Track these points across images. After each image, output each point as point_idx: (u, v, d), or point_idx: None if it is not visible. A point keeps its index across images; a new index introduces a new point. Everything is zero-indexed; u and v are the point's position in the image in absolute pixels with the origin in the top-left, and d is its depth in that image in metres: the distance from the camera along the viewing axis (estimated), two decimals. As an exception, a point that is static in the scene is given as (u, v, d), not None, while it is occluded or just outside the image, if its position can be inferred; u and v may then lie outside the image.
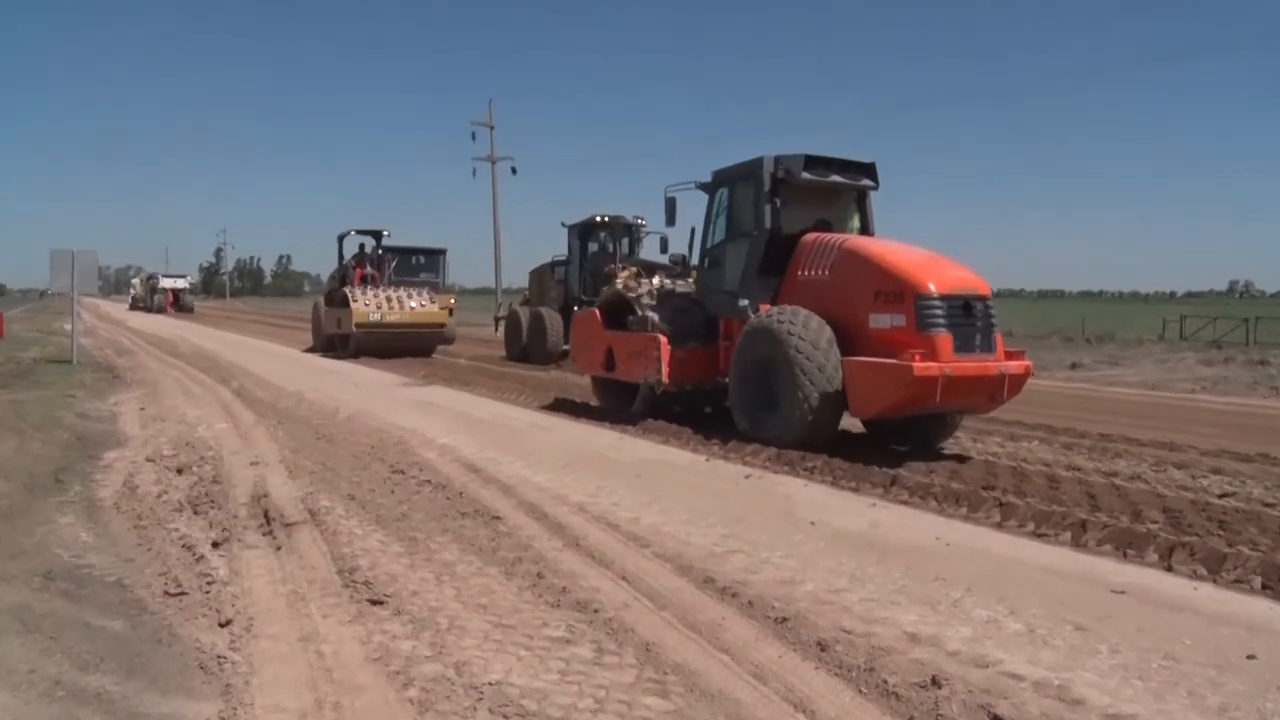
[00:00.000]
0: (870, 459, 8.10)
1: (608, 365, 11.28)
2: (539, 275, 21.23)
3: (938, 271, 8.70)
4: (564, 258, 19.71)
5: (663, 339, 10.42)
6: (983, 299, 8.69)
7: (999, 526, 6.22)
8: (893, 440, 9.36)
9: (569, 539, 5.60)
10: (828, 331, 8.88)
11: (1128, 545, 5.70)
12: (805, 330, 8.84)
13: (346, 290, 21.12)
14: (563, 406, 11.28)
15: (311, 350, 21.07)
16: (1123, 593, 4.93)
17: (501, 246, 39.50)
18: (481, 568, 5.13)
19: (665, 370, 10.33)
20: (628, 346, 10.94)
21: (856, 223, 10.48)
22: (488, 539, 5.55)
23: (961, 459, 8.30)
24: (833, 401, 8.65)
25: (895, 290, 8.62)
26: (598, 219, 18.31)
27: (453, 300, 23.10)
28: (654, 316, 10.65)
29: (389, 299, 20.86)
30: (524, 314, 19.26)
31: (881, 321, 8.68)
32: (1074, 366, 17.89)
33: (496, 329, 25.13)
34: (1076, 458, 8.52)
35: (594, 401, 11.49)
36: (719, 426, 9.68)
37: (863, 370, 8.51)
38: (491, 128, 38.21)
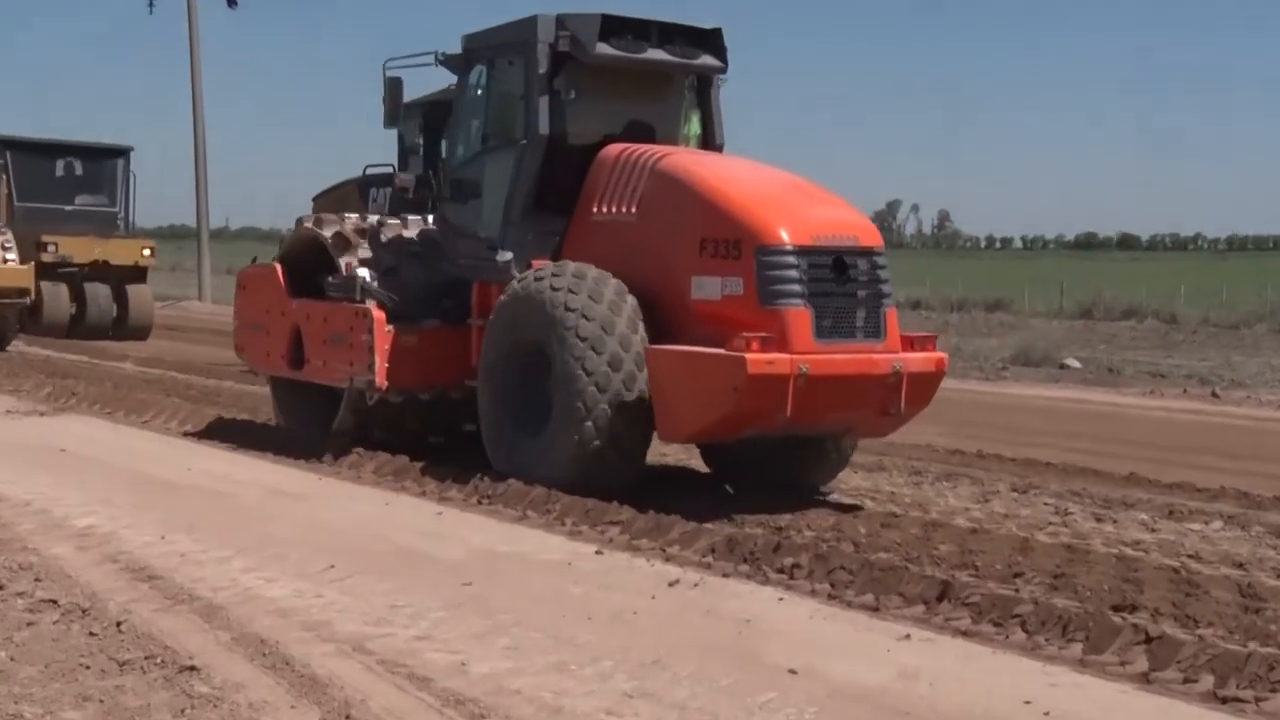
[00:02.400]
0: (899, 545, 7.91)
1: (293, 358, 11.33)
2: (339, 203, 20.54)
3: (795, 210, 8.84)
4: (384, 169, 18.02)
5: (377, 314, 10.34)
6: (867, 253, 8.81)
7: (1146, 680, 5.77)
8: (746, 479, 9.56)
9: (333, 707, 5.23)
10: (629, 304, 8.94)
11: None
12: (590, 301, 8.89)
13: None
14: (337, 457, 10.89)
15: None
16: None
17: (205, 142, 38.33)
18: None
19: (381, 366, 10.24)
20: (323, 327, 10.91)
21: (695, 128, 10.58)
22: (170, 713, 5.13)
23: (1073, 550, 8.03)
24: (633, 416, 8.75)
25: (728, 238, 8.69)
26: None
27: (147, 250, 22.84)
28: (366, 275, 10.60)
29: None
30: None
31: (708, 288, 8.77)
32: (1215, 395, 18.75)
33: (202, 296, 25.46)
34: None
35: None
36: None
37: (671, 366, 8.58)
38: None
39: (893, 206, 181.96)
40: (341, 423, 11.01)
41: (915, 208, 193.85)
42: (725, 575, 7.23)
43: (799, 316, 8.49)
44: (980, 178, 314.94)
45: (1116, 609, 6.51)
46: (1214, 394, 18.34)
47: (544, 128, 9.86)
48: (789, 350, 8.37)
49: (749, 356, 8.20)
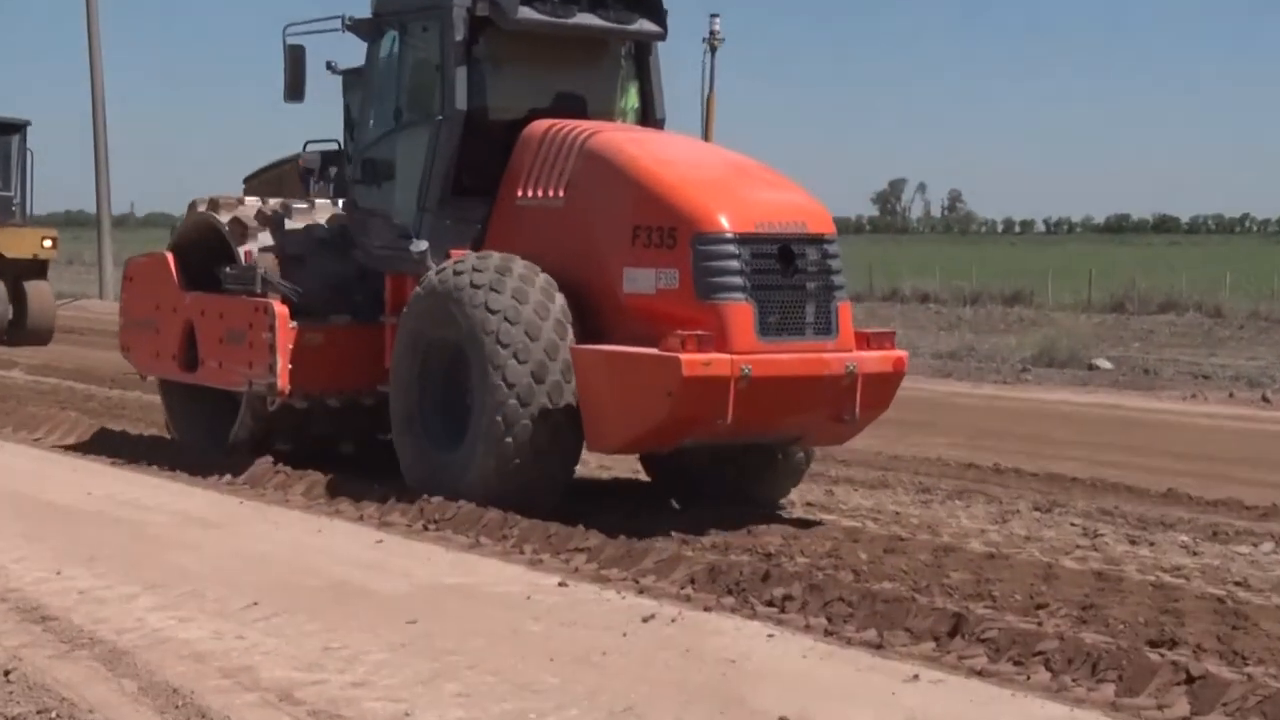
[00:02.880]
0: (905, 574, 7.95)
1: (186, 359, 11.55)
2: (275, 185, 20.56)
3: (737, 194, 9.08)
4: (328, 145, 18.25)
5: (280, 309, 10.54)
6: (816, 241, 9.04)
7: (1188, 729, 5.84)
8: (692, 492, 9.84)
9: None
10: (557, 302, 9.17)
11: None
12: (510, 296, 9.08)
13: None
14: (259, 477, 10.91)
15: None
16: None
17: (106, 114, 38.19)
18: None
19: (284, 367, 10.42)
20: (219, 324, 11.11)
21: (632, 101, 10.82)
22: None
23: (1103, 577, 8.09)
24: (560, 426, 8.95)
25: (663, 226, 8.90)
26: None
27: (49, 241, 22.57)
28: (267, 266, 10.83)
29: None
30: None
31: (641, 281, 8.97)
32: (1265, 400, 18.94)
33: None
34: None
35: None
36: (586, 505, 9.63)
37: (598, 368, 8.77)
38: None
39: (896, 186, 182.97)
40: (239, 432, 11.13)
41: (922, 187, 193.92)
42: (707, 609, 7.25)
43: (740, 312, 8.66)
44: (996, 153, 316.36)
45: (1153, 645, 6.54)
46: (1264, 398, 18.49)
47: (461, 102, 10.01)
48: (729, 350, 8.53)
49: (684, 357, 8.34)
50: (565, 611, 7.18)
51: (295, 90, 11.06)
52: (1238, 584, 8.06)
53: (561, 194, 9.63)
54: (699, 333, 8.50)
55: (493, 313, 9.07)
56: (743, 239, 8.79)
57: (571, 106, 10.44)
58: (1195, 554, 8.84)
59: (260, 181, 20.09)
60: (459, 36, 10.02)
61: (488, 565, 8.25)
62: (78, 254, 56.55)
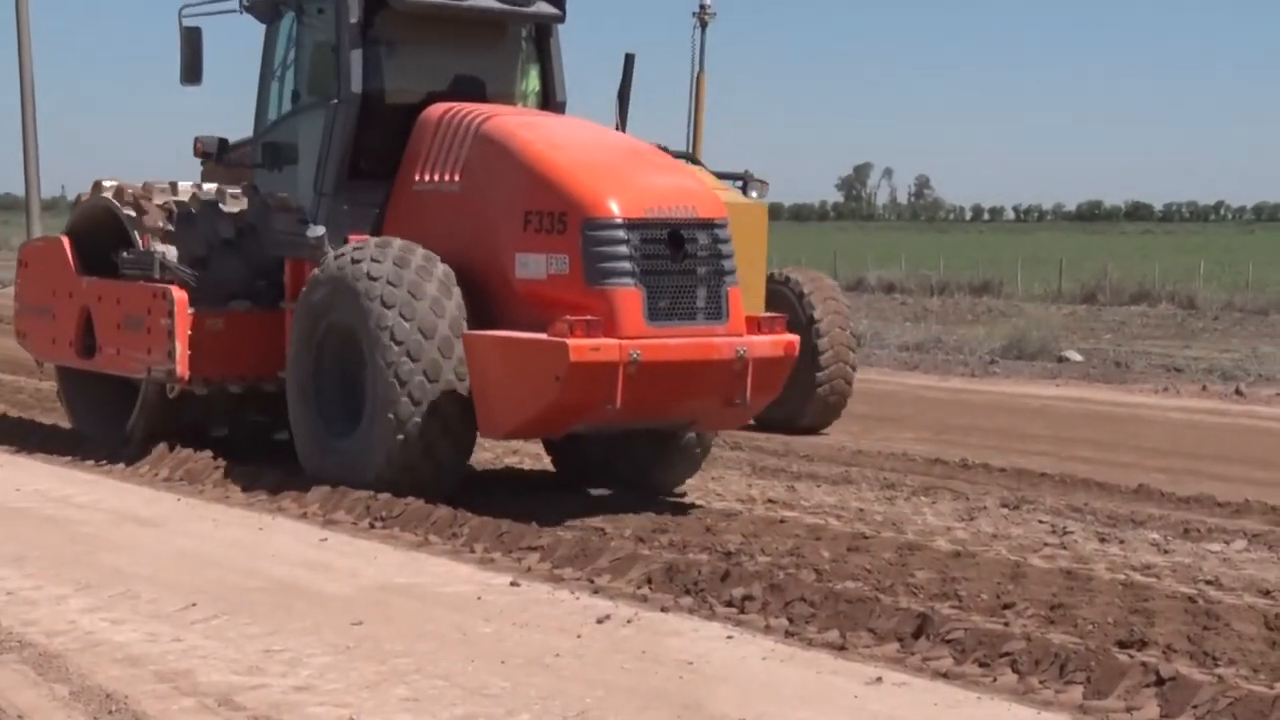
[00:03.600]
0: (868, 573, 7.98)
1: (83, 346, 11.70)
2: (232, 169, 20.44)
3: (627, 179, 9.39)
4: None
5: (179, 295, 10.74)
6: (707, 226, 9.33)
7: (1161, 732, 5.89)
8: (595, 479, 10.21)
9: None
10: (436, 275, 9.45)
11: None
12: (402, 280, 9.35)
13: None
14: (198, 473, 10.91)
15: None
16: None
17: (35, 91, 37.41)
18: None
19: (184, 354, 10.64)
20: (117, 309, 11.26)
21: (533, 84, 11.12)
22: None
23: (1072, 576, 8.13)
24: (450, 411, 9.24)
25: (553, 211, 9.23)
26: None
27: None
28: (165, 251, 10.99)
29: None
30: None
31: (533, 266, 9.32)
32: (1239, 393, 19.23)
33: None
34: None
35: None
36: (534, 495, 9.87)
37: (488, 353, 9.08)
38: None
39: (861, 171, 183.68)
40: (138, 420, 11.27)
41: (888, 173, 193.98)
42: (664, 610, 7.26)
43: (629, 297, 8.96)
44: (966, 138, 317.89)
45: (1123, 645, 6.59)
46: (1238, 391, 18.68)
47: (357, 85, 10.24)
48: (618, 335, 8.83)
49: (571, 343, 8.63)
50: (517, 612, 7.18)
51: (193, 73, 11.24)
52: (1209, 583, 8.13)
53: (457, 179, 9.88)
54: (588, 318, 8.78)
55: (388, 307, 9.30)
56: (632, 224, 9.07)
57: (471, 89, 10.66)
58: (1166, 552, 8.92)
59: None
60: (354, 19, 10.24)
61: (437, 564, 8.25)
62: (5, 239, 56.03)
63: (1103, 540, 9.24)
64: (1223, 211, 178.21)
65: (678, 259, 9.19)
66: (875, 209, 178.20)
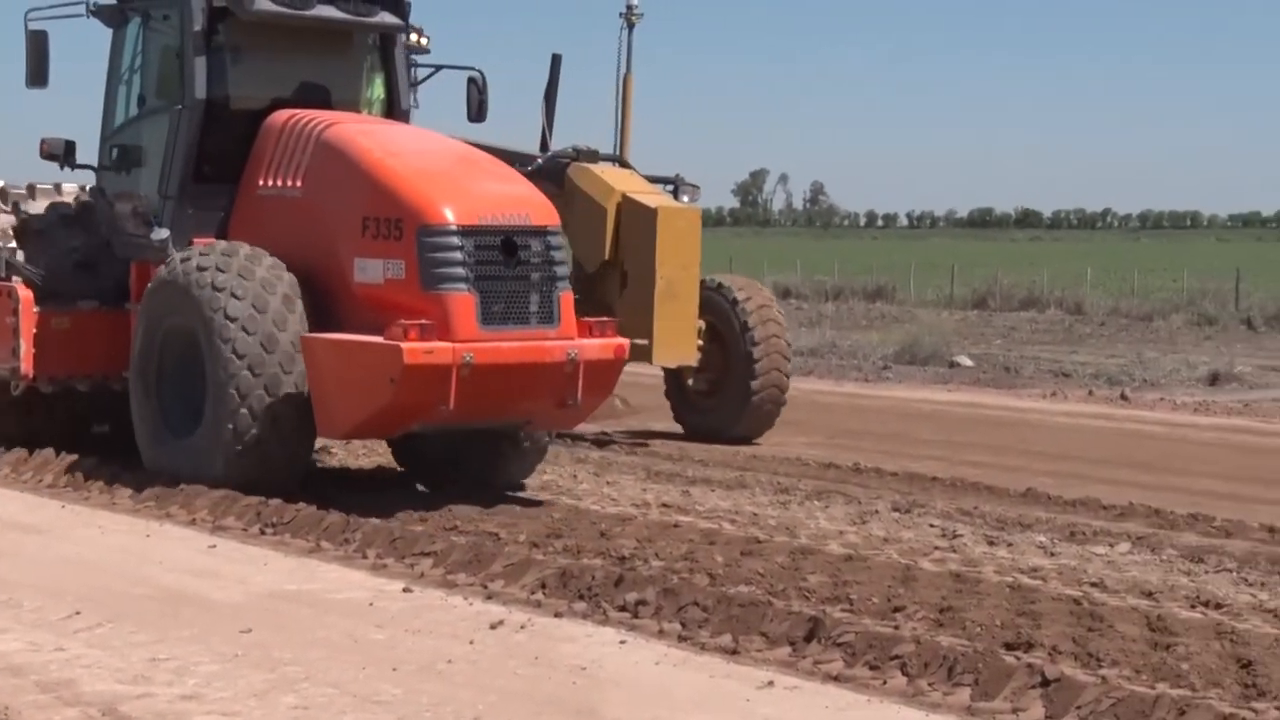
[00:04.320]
0: (761, 577, 8.00)
1: None
2: None
3: (462, 187, 9.77)
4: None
5: (24, 293, 10.93)
6: (540, 233, 9.76)
7: (1046, 732, 5.97)
8: (437, 476, 10.59)
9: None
10: (283, 285, 9.76)
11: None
12: (246, 293, 9.64)
13: None
14: (84, 479, 10.82)
15: None
16: None
17: None
18: None
19: (28, 352, 10.81)
20: None
21: (378, 92, 11.54)
22: None
23: (961, 579, 8.24)
24: (288, 412, 9.55)
25: (390, 217, 9.56)
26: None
27: None
28: (13, 250, 11.43)
29: None
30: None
31: (371, 271, 9.64)
32: (1124, 398, 19.48)
33: None
34: (1215, 579, 8.67)
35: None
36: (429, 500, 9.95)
37: (326, 356, 9.39)
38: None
39: (758, 177, 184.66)
40: None
41: (784, 178, 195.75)
42: (558, 615, 7.28)
43: (463, 302, 9.32)
44: (860, 145, 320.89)
45: (1010, 647, 6.67)
46: (1123, 396, 19.03)
47: (201, 91, 10.51)
48: (451, 338, 9.17)
49: (405, 346, 8.97)
50: (410, 619, 7.16)
51: (38, 77, 11.34)
52: (1094, 585, 8.26)
53: (299, 184, 10.17)
54: (422, 322, 9.11)
55: (231, 320, 9.57)
56: (466, 231, 9.41)
57: (315, 97, 10.96)
58: (1053, 555, 9.05)
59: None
60: (198, 26, 10.51)
61: (328, 571, 8.21)
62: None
63: (991, 543, 9.37)
64: (1110, 219, 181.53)
65: (511, 265, 9.53)
66: (771, 215, 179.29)
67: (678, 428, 14.19)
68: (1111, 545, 9.43)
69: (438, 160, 10.08)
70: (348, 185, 9.85)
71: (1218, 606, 7.83)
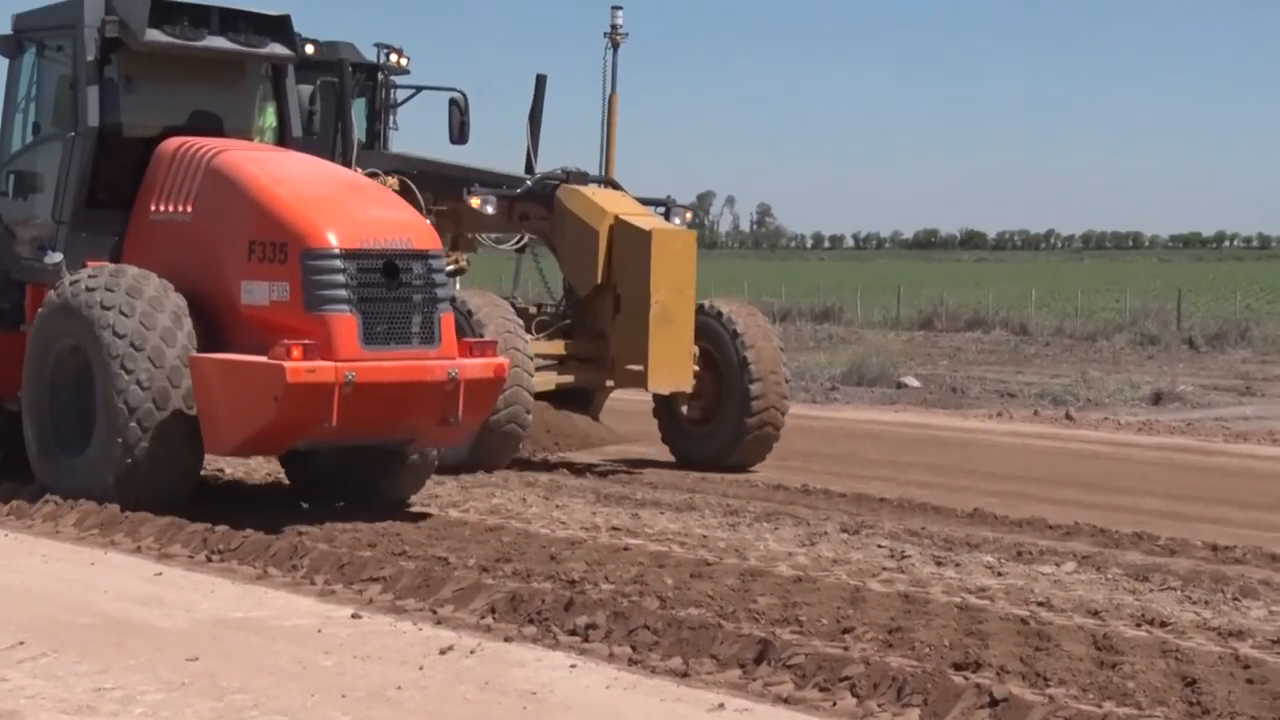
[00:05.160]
0: (711, 599, 7.98)
1: None
2: None
3: (345, 212, 10.09)
4: None
5: None
6: (421, 257, 10.09)
7: (992, 751, 5.99)
8: (326, 492, 10.92)
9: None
10: (170, 304, 10.09)
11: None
12: (134, 311, 9.94)
13: None
14: (26, 507, 10.76)
15: None
16: None
17: None
18: None
19: None
20: None
21: (270, 120, 12.00)
22: None
23: (910, 600, 8.27)
24: (177, 434, 9.85)
25: (275, 241, 9.89)
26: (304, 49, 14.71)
27: None
28: None
29: None
30: None
31: (257, 293, 9.95)
32: (1069, 417, 19.59)
33: None
34: (1160, 598, 8.71)
35: None
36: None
37: (212, 374, 9.69)
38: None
39: (705, 199, 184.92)
40: None
41: (731, 200, 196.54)
42: (508, 639, 7.25)
43: (345, 322, 9.64)
44: (806, 167, 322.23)
45: (958, 667, 6.69)
46: (1067, 415, 19.17)
47: (93, 118, 10.79)
48: (334, 358, 9.48)
49: (288, 365, 9.27)
50: (358, 645, 7.11)
51: None
52: (1040, 604, 8.30)
53: (189, 209, 10.49)
54: (305, 341, 9.40)
55: (119, 336, 9.83)
56: (348, 254, 9.73)
57: (208, 125, 11.32)
58: (1000, 574, 9.09)
59: None
60: (90, 56, 10.78)
61: (276, 597, 8.15)
62: None
63: (939, 564, 9.39)
64: (1053, 240, 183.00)
65: (393, 287, 9.84)
66: (718, 237, 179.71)
67: (668, 455, 13.99)
68: (1058, 565, 9.48)
69: (323, 187, 10.37)
70: (235, 210, 10.13)
71: (1163, 625, 7.88)
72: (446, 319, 10.09)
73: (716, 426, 13.65)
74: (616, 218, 13.16)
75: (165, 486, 9.92)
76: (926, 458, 14.83)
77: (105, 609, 7.85)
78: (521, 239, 15.18)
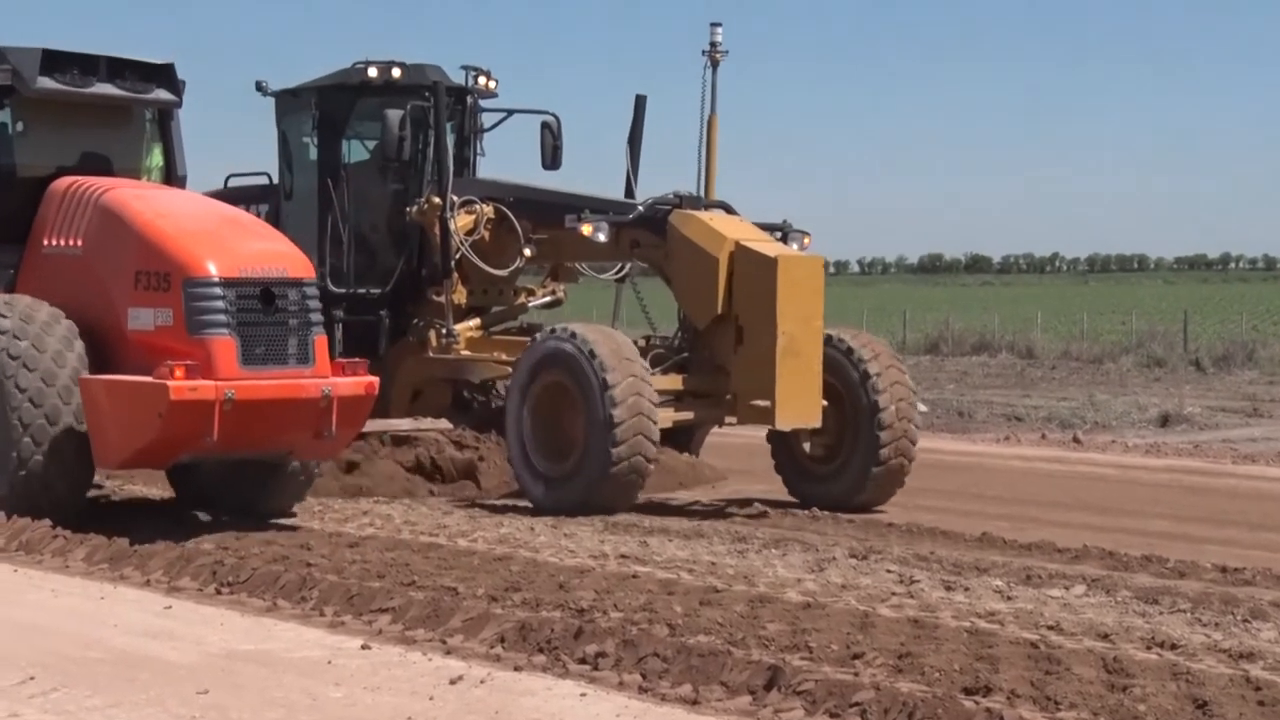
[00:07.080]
0: (720, 626, 7.98)
1: None
2: None
3: (225, 243, 10.89)
4: (255, 178, 16.40)
5: None
6: (296, 284, 10.92)
7: (1001, 776, 6.02)
8: (211, 504, 11.75)
9: None
10: (61, 329, 10.86)
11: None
12: (26, 334, 10.73)
13: None
14: (36, 542, 10.83)
15: None
16: None
17: None
18: None
19: None
20: None
21: (157, 160, 12.76)
22: None
23: (919, 624, 8.24)
24: (69, 449, 10.63)
25: (159, 270, 10.66)
26: (390, 71, 14.96)
27: None
28: None
29: None
30: None
31: (143, 319, 10.71)
32: (1076, 440, 19.53)
33: None
34: (1170, 620, 8.69)
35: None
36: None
37: (101, 394, 10.43)
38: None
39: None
40: None
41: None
42: (518, 669, 7.25)
43: (225, 345, 10.39)
44: (805, 192, 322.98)
45: (968, 692, 6.69)
46: (1075, 439, 19.13)
47: None
48: (214, 377, 10.23)
49: (171, 384, 9.98)
50: (368, 676, 7.12)
51: None
52: (1050, 628, 8.30)
53: (80, 243, 11.25)
54: (188, 362, 10.12)
55: (13, 358, 10.56)
56: (228, 282, 10.50)
57: (98, 165, 12.13)
58: (1009, 599, 9.07)
59: None
60: None
61: (285, 629, 8.15)
62: None
63: (948, 588, 9.38)
64: (1058, 263, 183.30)
65: (270, 312, 10.63)
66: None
67: (782, 492, 13.34)
68: (1067, 588, 9.47)
69: (204, 221, 11.17)
70: (122, 243, 10.87)
71: (1173, 647, 7.87)
72: (320, 340, 10.90)
73: (842, 464, 12.82)
74: (737, 244, 12.46)
75: (58, 496, 10.64)
76: (934, 482, 14.76)
77: (115, 643, 7.85)
78: (623, 268, 14.65)
